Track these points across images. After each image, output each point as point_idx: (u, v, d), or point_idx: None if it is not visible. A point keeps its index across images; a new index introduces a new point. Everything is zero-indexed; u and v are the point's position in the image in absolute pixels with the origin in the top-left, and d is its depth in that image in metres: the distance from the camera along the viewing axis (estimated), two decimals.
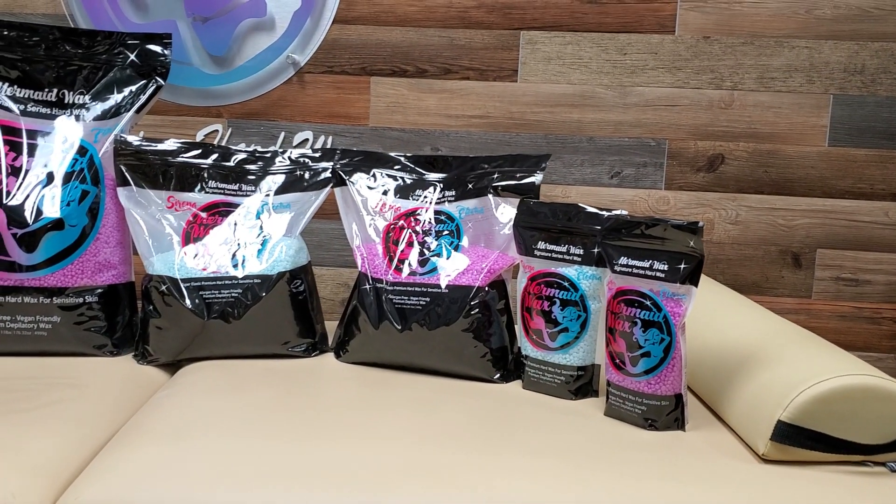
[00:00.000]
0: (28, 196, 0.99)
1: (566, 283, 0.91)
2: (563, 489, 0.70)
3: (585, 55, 1.38)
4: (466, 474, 0.72)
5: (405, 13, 1.40)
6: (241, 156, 1.07)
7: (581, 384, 0.92)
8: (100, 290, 1.02)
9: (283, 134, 1.44)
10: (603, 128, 1.39)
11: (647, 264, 0.83)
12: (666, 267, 0.81)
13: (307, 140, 1.44)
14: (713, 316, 1.00)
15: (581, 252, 0.90)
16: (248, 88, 1.44)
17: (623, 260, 0.85)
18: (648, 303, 0.82)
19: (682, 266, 0.80)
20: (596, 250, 0.90)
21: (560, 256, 0.92)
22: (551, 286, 0.92)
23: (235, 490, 0.69)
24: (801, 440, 0.74)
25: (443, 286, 0.96)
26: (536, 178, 0.98)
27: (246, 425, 0.80)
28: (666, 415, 0.83)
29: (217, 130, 1.45)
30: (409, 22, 1.40)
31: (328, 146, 1.43)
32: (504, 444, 0.78)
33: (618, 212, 0.89)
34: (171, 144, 1.05)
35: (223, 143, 1.44)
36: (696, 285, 0.81)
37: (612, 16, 1.37)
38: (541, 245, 0.93)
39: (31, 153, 1.01)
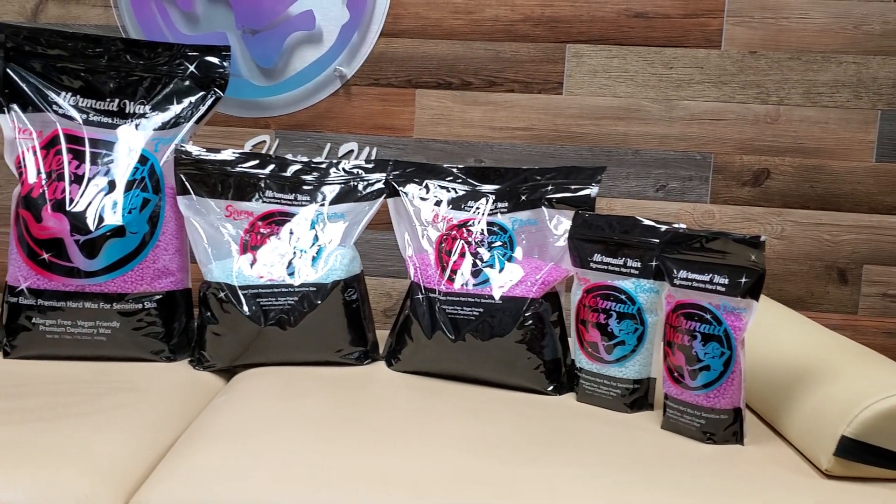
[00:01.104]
0: (90, 203, 1.01)
1: (623, 296, 0.91)
2: (624, 501, 0.70)
3: (631, 68, 1.39)
4: (524, 485, 0.72)
5: (451, 26, 1.41)
6: (297, 166, 1.09)
7: (637, 397, 0.92)
8: (158, 297, 1.03)
9: (328, 145, 1.45)
10: (648, 141, 1.39)
11: (707, 278, 0.83)
12: (727, 281, 0.81)
13: (352, 151, 1.45)
14: (767, 330, 0.99)
15: (639, 265, 0.91)
16: (296, 100, 1.46)
17: (682, 273, 0.85)
18: (708, 316, 0.82)
19: (744, 280, 0.81)
20: (654, 263, 0.90)
21: (617, 269, 0.92)
22: (608, 299, 0.92)
23: (299, 494, 0.70)
24: (865, 456, 0.74)
25: (496, 297, 0.97)
26: (592, 190, 0.99)
27: (305, 431, 0.82)
28: (724, 428, 0.83)
29: (264, 141, 1.47)
30: (455, 35, 1.41)
31: (373, 157, 1.44)
32: (561, 456, 0.78)
33: (676, 225, 0.89)
34: (229, 154, 1.07)
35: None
36: (756, 299, 0.81)
37: (659, 30, 1.38)
38: (597, 257, 0.94)
39: (94, 161, 1.03)
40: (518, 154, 1.41)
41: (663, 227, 0.90)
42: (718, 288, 0.82)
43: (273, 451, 0.77)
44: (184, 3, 1.42)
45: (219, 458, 0.76)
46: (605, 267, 0.93)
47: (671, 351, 0.86)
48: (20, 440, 0.76)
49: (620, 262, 0.92)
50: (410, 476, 0.73)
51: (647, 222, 0.92)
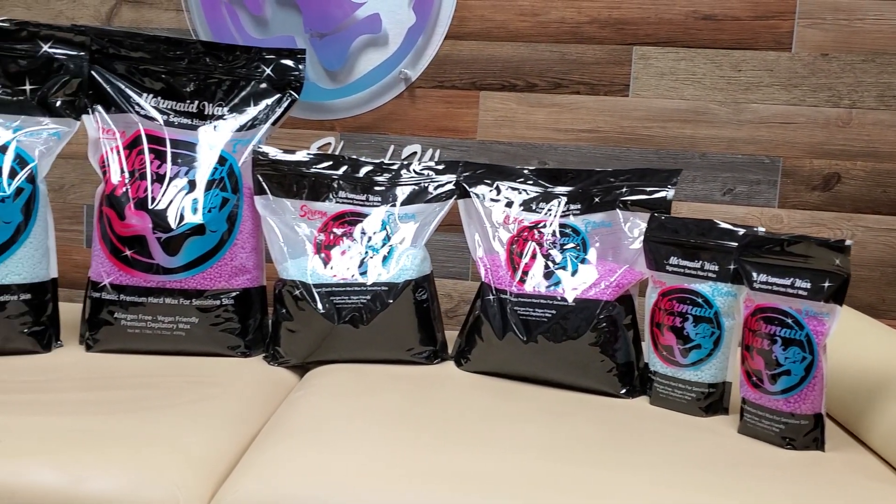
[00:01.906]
0: (171, 202, 1.04)
1: (700, 300, 0.91)
2: None
3: (699, 71, 1.38)
4: (601, 487, 0.72)
5: (517, 29, 1.42)
6: (369, 167, 1.10)
7: (712, 401, 0.91)
8: (235, 294, 1.06)
9: (392, 147, 1.47)
10: (716, 144, 1.38)
11: (788, 282, 0.82)
12: (809, 285, 0.81)
13: (415, 153, 1.46)
14: (845, 336, 0.98)
15: (716, 268, 0.90)
16: (361, 102, 1.47)
17: (762, 277, 0.84)
18: (790, 321, 0.82)
19: (827, 284, 0.80)
20: (732, 266, 0.89)
21: (693, 272, 0.92)
22: (684, 302, 0.92)
23: (380, 490, 0.71)
24: None
25: (570, 300, 0.97)
26: (668, 192, 0.99)
27: (382, 428, 0.83)
28: (805, 434, 0.82)
29: (330, 143, 1.49)
30: (520, 37, 1.42)
31: (436, 159, 1.45)
32: (637, 458, 0.78)
33: (755, 228, 0.89)
34: (303, 156, 1.09)
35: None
36: (840, 304, 0.80)
37: (728, 32, 1.36)
38: (673, 260, 0.93)
39: (175, 161, 1.06)
40: (583, 156, 1.41)
41: (741, 231, 0.89)
42: (800, 292, 0.81)
43: (352, 446, 0.78)
44: (254, 6, 1.45)
45: (302, 453, 0.77)
46: (682, 270, 0.93)
47: (749, 355, 0.85)
48: (112, 430, 0.79)
49: (697, 265, 0.92)
50: (487, 475, 0.73)
51: (724, 225, 0.91)
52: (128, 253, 1.03)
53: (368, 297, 1.03)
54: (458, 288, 1.47)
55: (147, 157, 1.05)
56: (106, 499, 0.71)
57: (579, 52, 1.40)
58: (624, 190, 1.01)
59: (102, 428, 0.79)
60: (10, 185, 1.00)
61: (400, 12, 1.43)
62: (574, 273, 0.99)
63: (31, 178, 1.02)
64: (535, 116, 1.42)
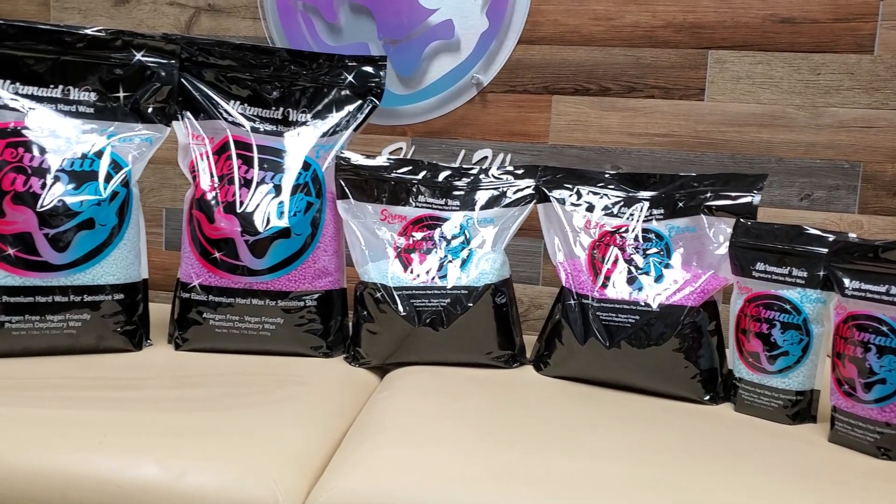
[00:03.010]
0: (258, 206, 1.06)
1: (788, 306, 0.90)
2: None
3: (776, 75, 1.36)
4: (690, 492, 0.72)
5: (590, 33, 1.42)
6: (448, 172, 1.12)
7: (799, 409, 0.90)
8: (317, 295, 1.08)
9: (462, 152, 1.48)
10: (793, 149, 1.36)
11: (882, 289, 0.81)
12: None
13: (486, 157, 1.47)
14: None
15: (805, 275, 0.89)
16: (433, 108, 1.49)
17: (854, 284, 0.83)
18: (885, 328, 0.80)
19: None
20: (821, 273, 0.88)
21: (781, 278, 0.91)
22: (771, 308, 0.91)
23: (474, 491, 0.72)
24: None
25: (654, 305, 0.97)
26: (754, 197, 0.98)
27: (469, 430, 0.84)
28: None
29: (401, 148, 1.51)
30: (594, 41, 1.42)
31: (507, 164, 1.46)
32: (727, 464, 0.78)
33: (846, 234, 0.87)
34: (384, 161, 1.11)
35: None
36: None
37: (806, 35, 1.34)
38: (759, 266, 0.92)
39: (262, 167, 1.08)
40: (656, 161, 1.41)
41: (831, 237, 0.88)
42: None
43: (442, 447, 0.79)
44: (328, 14, 1.48)
45: (393, 451, 0.78)
46: (769, 276, 0.92)
47: (841, 363, 0.84)
48: (209, 427, 0.81)
49: (785, 271, 0.91)
50: (577, 479, 0.74)
51: (813, 231, 0.90)
52: (217, 255, 1.06)
53: (448, 301, 1.05)
54: (527, 293, 1.47)
55: (235, 162, 1.08)
56: (207, 493, 0.73)
57: (654, 56, 1.40)
58: (708, 195, 1.01)
59: (199, 424, 0.82)
60: (105, 188, 1.04)
61: (473, 18, 1.44)
62: (657, 278, 0.99)
63: (126, 183, 1.05)
64: (608, 120, 1.42)
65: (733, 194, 1.00)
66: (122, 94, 1.07)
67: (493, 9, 1.43)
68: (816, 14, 1.34)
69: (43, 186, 1.01)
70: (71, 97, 1.06)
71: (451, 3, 1.44)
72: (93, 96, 1.06)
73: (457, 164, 1.40)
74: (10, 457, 0.74)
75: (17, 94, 1.03)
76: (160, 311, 1.22)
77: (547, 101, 1.45)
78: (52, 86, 1.05)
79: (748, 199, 0.98)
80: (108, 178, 1.04)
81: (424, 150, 1.49)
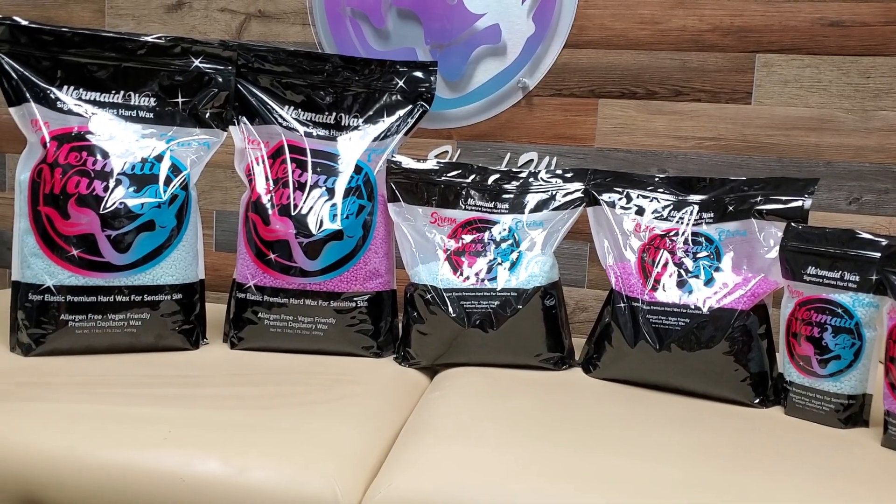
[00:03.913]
0: (312, 208, 1.09)
1: (840, 310, 0.90)
2: None
3: (825, 78, 1.35)
4: (744, 494, 0.72)
5: (637, 37, 1.42)
6: (497, 175, 1.13)
7: (851, 413, 0.90)
8: (368, 296, 1.10)
9: (508, 155, 1.49)
10: (842, 152, 1.35)
11: None
12: None
13: (532, 161, 1.48)
14: None
15: (857, 279, 0.89)
16: (478, 111, 1.50)
17: None
18: None
19: None
20: (874, 277, 0.88)
21: (833, 282, 0.91)
22: (823, 312, 0.91)
23: (528, 491, 0.73)
24: None
25: (704, 309, 0.98)
26: (806, 202, 0.98)
27: (521, 430, 0.85)
28: None
29: (447, 151, 1.52)
30: (640, 45, 1.42)
31: (552, 166, 1.47)
32: (778, 467, 0.78)
33: None
34: (434, 164, 1.13)
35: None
36: None
37: (855, 38, 1.34)
38: (811, 270, 0.93)
39: (315, 170, 1.11)
40: (703, 164, 1.41)
41: (885, 241, 0.88)
42: None
43: (496, 446, 0.81)
44: (377, 20, 1.50)
45: (447, 451, 0.80)
46: (820, 280, 0.92)
47: (894, 367, 0.84)
48: (268, 424, 0.84)
49: (837, 275, 0.91)
50: (628, 479, 0.74)
51: (865, 235, 0.90)
52: (271, 256, 1.08)
53: (497, 303, 1.06)
54: (573, 295, 1.48)
55: (289, 166, 1.11)
56: (268, 488, 0.75)
57: (700, 60, 1.40)
58: (759, 199, 1.01)
59: (259, 421, 0.84)
60: (165, 191, 1.07)
61: (519, 22, 1.46)
62: (707, 282, 0.99)
63: (185, 186, 1.08)
64: (654, 124, 1.43)
65: (784, 198, 1.00)
66: (180, 100, 1.11)
67: (540, 13, 1.44)
68: (866, 17, 1.33)
69: (105, 189, 1.04)
70: (132, 102, 1.09)
71: (498, 7, 1.45)
72: (152, 101, 1.10)
73: (504, 167, 1.42)
74: (85, 451, 0.77)
75: (80, 99, 1.07)
76: (212, 310, 1.25)
77: (593, 104, 1.46)
78: (113, 91, 1.09)
79: (799, 203, 0.98)
80: (168, 182, 1.07)
81: (470, 153, 1.51)
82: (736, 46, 1.38)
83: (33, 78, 1.05)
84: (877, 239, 0.89)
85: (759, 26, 1.37)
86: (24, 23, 1.04)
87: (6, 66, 1.04)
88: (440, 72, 1.48)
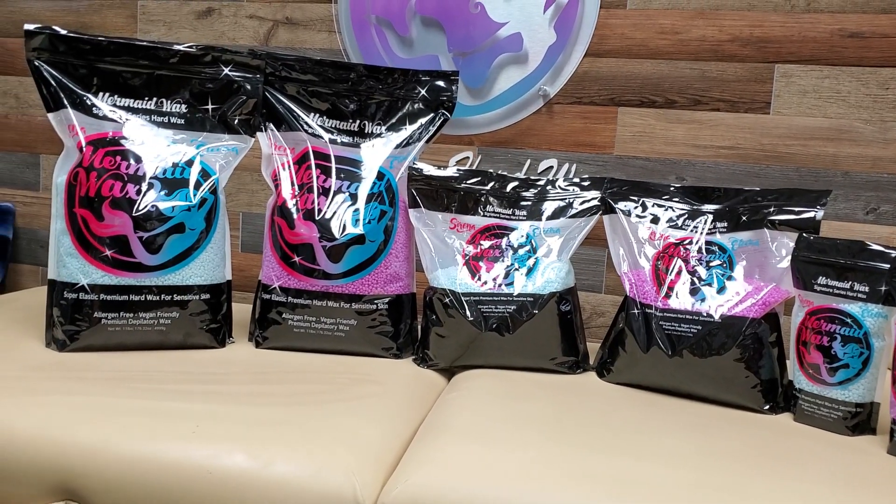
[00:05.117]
0: (335, 213, 1.13)
1: (849, 320, 0.92)
2: None
3: (844, 89, 1.37)
4: (752, 498, 0.75)
5: (657, 46, 1.44)
6: (516, 183, 1.16)
7: (859, 421, 0.92)
8: (389, 299, 1.14)
9: (528, 161, 1.52)
10: (860, 163, 1.37)
11: None
12: None
13: (552, 167, 1.51)
14: None
15: (866, 289, 0.91)
16: (500, 118, 1.53)
17: None
18: None
19: None
20: (883, 288, 0.90)
21: (842, 293, 0.93)
22: (832, 322, 0.93)
23: (540, 491, 0.75)
24: None
25: (716, 316, 1.00)
26: (817, 213, 1.00)
27: (535, 431, 0.88)
28: None
29: (468, 157, 1.55)
30: (660, 55, 1.44)
31: (572, 173, 1.49)
32: (787, 472, 0.80)
33: None
34: (454, 171, 1.16)
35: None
36: None
37: (875, 49, 1.35)
38: (821, 280, 0.94)
39: (339, 176, 1.14)
40: (721, 173, 1.42)
41: (894, 253, 0.90)
42: None
43: (509, 447, 0.84)
44: (401, 27, 1.53)
45: (462, 450, 0.83)
46: (831, 290, 0.94)
47: None
48: (292, 420, 0.87)
49: (847, 285, 0.92)
50: (639, 482, 0.77)
51: (875, 247, 0.92)
52: (296, 259, 1.12)
53: (514, 307, 1.09)
54: (590, 300, 1.51)
55: (314, 171, 1.14)
56: (291, 482, 0.79)
57: (720, 70, 1.42)
58: (772, 209, 1.03)
59: (283, 418, 0.88)
60: (195, 195, 1.11)
61: (541, 31, 1.48)
62: (720, 290, 1.02)
63: (213, 190, 1.12)
64: (673, 132, 1.45)
65: (796, 209, 1.02)
66: (210, 107, 1.15)
67: (561, 22, 1.47)
68: (886, 29, 1.34)
69: (138, 192, 1.08)
70: (164, 109, 1.13)
71: (520, 16, 1.48)
72: (183, 108, 1.14)
73: (523, 174, 1.45)
74: (118, 443, 0.81)
75: (115, 105, 1.11)
76: (237, 310, 1.29)
77: (613, 112, 1.48)
78: (146, 98, 1.13)
79: (811, 214, 1.00)
80: (198, 186, 1.11)
81: (491, 159, 1.54)
82: (755, 57, 1.40)
83: (70, 85, 1.09)
84: (886, 251, 0.91)
85: (779, 37, 1.39)
86: (63, 32, 1.09)
87: (45, 74, 1.08)
88: (462, 79, 1.51)
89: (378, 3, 1.54)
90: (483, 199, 1.15)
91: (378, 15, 1.54)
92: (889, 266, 0.89)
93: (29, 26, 1.08)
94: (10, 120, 1.76)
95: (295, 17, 1.60)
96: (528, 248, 1.13)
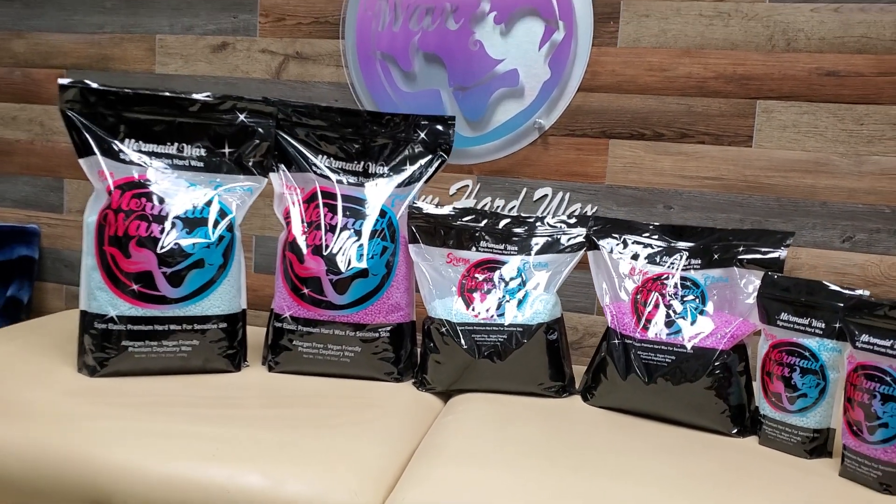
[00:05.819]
0: (341, 249, 1.22)
1: (807, 353, 1.00)
2: None
3: (821, 124, 1.45)
4: None
5: (646, 83, 1.53)
6: (508, 220, 1.25)
7: (816, 445, 1.01)
8: (390, 328, 1.23)
9: (524, 190, 1.61)
10: (836, 193, 1.45)
11: (888, 343, 0.91)
12: None
13: (546, 196, 1.60)
14: None
15: (823, 326, 1.00)
16: (497, 149, 1.62)
17: (865, 337, 0.93)
18: (888, 378, 0.90)
19: None
20: (837, 325, 0.99)
21: (802, 328, 1.01)
22: (792, 354, 1.02)
23: None
24: None
25: (688, 347, 1.09)
26: (781, 253, 1.09)
27: (522, 452, 0.97)
28: None
29: (467, 186, 1.65)
30: (649, 90, 1.53)
31: (565, 201, 1.58)
32: (749, 493, 0.89)
33: (860, 292, 0.98)
34: (450, 210, 1.26)
35: (472, 197, 1.63)
36: None
37: (850, 87, 1.43)
38: (783, 316, 1.03)
39: (345, 214, 1.24)
40: (706, 202, 1.51)
41: (847, 293, 0.99)
42: None
43: (501, 467, 0.93)
44: (404, 63, 1.63)
45: (458, 470, 0.92)
46: (792, 325, 1.03)
47: (851, 406, 0.95)
48: (301, 442, 0.97)
49: (806, 321, 1.01)
50: (625, 499, 0.86)
51: (833, 287, 1.00)
52: (305, 291, 1.22)
53: (505, 336, 1.18)
54: (583, 321, 1.60)
55: (322, 210, 1.24)
56: (301, 500, 0.88)
57: (705, 105, 1.50)
58: (741, 249, 1.12)
59: (293, 440, 0.98)
60: (213, 232, 1.21)
61: (536, 67, 1.57)
62: (693, 323, 1.11)
63: (230, 227, 1.23)
64: (661, 164, 1.53)
65: (763, 249, 1.10)
66: (227, 150, 1.25)
67: (556, 59, 1.56)
68: (861, 68, 1.42)
69: (162, 231, 1.18)
70: (184, 153, 1.23)
71: (517, 53, 1.57)
72: (202, 152, 1.24)
73: (517, 208, 1.54)
74: (145, 464, 0.92)
75: (140, 150, 1.22)
76: (251, 332, 1.39)
77: (604, 144, 1.57)
78: (168, 143, 1.23)
79: (776, 255, 1.09)
80: (216, 224, 1.22)
81: (489, 187, 1.63)
82: (738, 93, 1.49)
83: (100, 132, 1.19)
84: (843, 291, 1.00)
85: (760, 75, 1.47)
86: (94, 85, 1.19)
87: (77, 123, 1.19)
88: (462, 111, 1.61)
89: (383, 40, 1.63)
90: (477, 236, 1.25)
91: (383, 51, 1.63)
92: (843, 305, 0.98)
93: (62, 81, 1.19)
94: (35, 146, 1.87)
95: (305, 51, 1.70)
96: (518, 280, 1.22)
